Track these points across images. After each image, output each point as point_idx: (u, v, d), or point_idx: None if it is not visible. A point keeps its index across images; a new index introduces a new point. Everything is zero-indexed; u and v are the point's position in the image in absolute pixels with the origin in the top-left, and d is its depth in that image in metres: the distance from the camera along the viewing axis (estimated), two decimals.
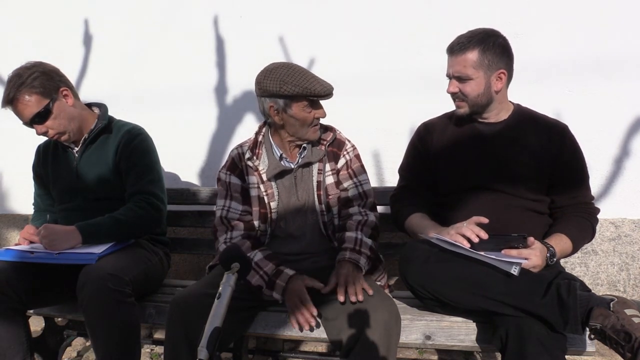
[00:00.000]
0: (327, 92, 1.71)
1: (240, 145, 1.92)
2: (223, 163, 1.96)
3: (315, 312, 1.60)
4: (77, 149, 2.05)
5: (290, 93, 1.66)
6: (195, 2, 2.97)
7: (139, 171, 2.00)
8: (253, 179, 1.84)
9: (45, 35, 3.25)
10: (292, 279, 1.64)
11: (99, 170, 2.01)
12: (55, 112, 1.91)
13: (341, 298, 1.56)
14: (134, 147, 2.02)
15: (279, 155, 1.84)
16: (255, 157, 1.83)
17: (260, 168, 1.82)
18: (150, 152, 2.07)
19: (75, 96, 2.00)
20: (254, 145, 1.86)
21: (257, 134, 1.89)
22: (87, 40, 3.19)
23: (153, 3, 3.04)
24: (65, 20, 3.20)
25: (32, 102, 1.86)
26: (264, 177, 1.81)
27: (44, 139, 2.07)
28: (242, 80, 2.91)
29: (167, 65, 3.04)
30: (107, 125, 2.07)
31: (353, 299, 1.54)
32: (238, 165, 1.87)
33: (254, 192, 1.84)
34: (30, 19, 3.29)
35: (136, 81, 3.09)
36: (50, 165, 2.10)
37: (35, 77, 1.86)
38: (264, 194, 1.82)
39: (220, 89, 2.99)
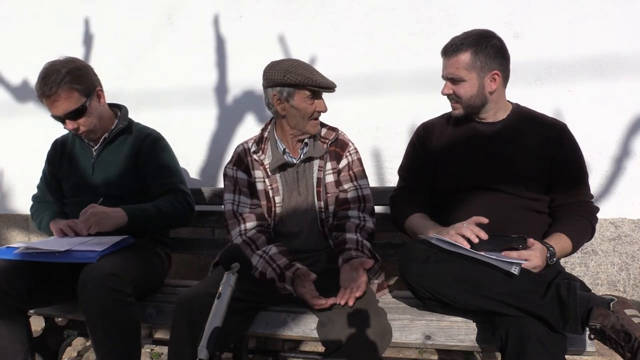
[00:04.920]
0: (329, 85, 1.78)
1: (246, 142, 1.96)
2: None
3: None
4: (96, 146, 2.07)
5: (293, 82, 1.72)
6: (195, 2, 2.97)
7: (169, 171, 2.07)
8: (259, 173, 1.88)
9: (45, 35, 3.24)
10: (299, 271, 1.67)
11: (115, 169, 2.04)
12: (90, 111, 1.94)
13: (342, 302, 1.58)
14: (161, 148, 2.11)
15: (282, 149, 1.88)
16: (261, 152, 1.88)
17: (265, 162, 1.86)
18: (174, 156, 2.17)
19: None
20: (260, 140, 1.91)
21: (263, 130, 1.94)
22: (87, 40, 3.19)
23: (153, 3, 3.04)
24: (65, 20, 3.20)
25: (72, 99, 1.88)
26: (269, 172, 1.86)
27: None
28: (242, 80, 2.91)
29: (167, 65, 3.03)
30: (127, 126, 2.10)
31: (343, 302, 1.58)
32: (244, 160, 1.90)
33: (260, 186, 1.87)
34: (30, 18, 3.28)
35: (136, 81, 3.09)
36: (67, 159, 2.12)
37: (76, 74, 1.88)
38: (269, 187, 1.85)
39: (220, 89, 2.99)
